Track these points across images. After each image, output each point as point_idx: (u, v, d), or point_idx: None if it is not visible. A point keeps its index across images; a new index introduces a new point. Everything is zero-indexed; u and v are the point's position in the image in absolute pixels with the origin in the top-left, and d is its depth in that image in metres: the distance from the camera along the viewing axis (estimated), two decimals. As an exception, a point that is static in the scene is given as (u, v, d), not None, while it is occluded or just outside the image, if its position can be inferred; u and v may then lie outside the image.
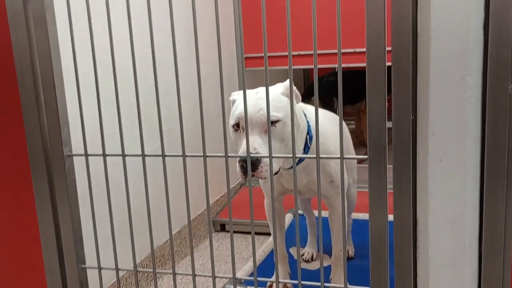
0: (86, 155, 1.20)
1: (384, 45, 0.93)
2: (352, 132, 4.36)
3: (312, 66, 1.05)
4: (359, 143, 4.43)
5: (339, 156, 1.04)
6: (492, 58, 0.89)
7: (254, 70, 3.46)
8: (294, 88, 1.50)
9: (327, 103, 4.25)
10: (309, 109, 1.70)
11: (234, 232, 2.95)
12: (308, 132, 1.62)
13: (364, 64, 0.95)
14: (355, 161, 2.12)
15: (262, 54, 1.03)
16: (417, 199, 1.00)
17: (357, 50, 3.10)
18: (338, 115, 1.06)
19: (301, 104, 1.68)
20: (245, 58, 3.43)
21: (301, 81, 5.08)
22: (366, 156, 0.99)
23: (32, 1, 1.15)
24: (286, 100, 1.51)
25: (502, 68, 0.89)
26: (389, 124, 0.95)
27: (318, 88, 1.05)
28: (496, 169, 0.92)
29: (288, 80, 1.52)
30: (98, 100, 1.16)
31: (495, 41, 0.89)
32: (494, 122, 0.90)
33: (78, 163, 1.25)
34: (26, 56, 1.19)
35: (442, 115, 0.92)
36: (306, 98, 4.17)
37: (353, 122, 4.64)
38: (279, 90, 1.53)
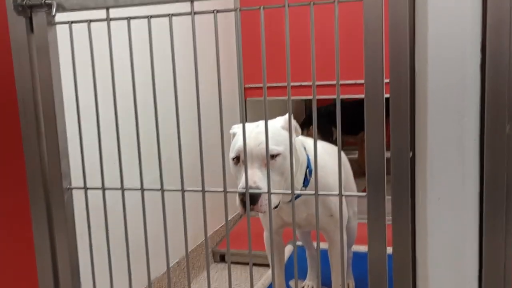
0: (85, 188, 1.20)
1: (382, 78, 0.95)
2: (354, 161, 4.36)
3: (311, 97, 1.06)
4: (361, 173, 4.42)
5: (337, 192, 1.04)
6: (489, 98, 0.90)
7: (255, 101, 3.48)
8: (294, 121, 1.51)
9: (326, 132, 4.27)
10: (309, 142, 1.71)
11: (235, 263, 2.92)
12: (308, 165, 1.63)
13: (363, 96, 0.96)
14: (354, 188, 2.12)
15: (262, 85, 1.05)
16: (416, 235, 1.00)
17: (358, 81, 3.13)
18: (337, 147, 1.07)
19: (301, 138, 1.69)
20: (246, 88, 3.46)
21: (302, 110, 5.11)
22: (364, 194, 0.99)
23: (35, 33, 1.17)
24: (286, 134, 1.52)
25: (500, 108, 0.89)
26: (388, 154, 0.95)
27: (318, 117, 1.06)
28: (495, 208, 0.92)
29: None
30: (98, 134, 1.17)
31: (492, 81, 0.90)
32: (493, 161, 0.90)
33: (77, 193, 1.24)
34: (28, 87, 1.20)
35: (441, 154, 0.92)
36: (306, 126, 4.19)
37: (354, 151, 4.64)
38: (279, 123, 1.54)
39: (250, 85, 3.47)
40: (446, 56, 0.91)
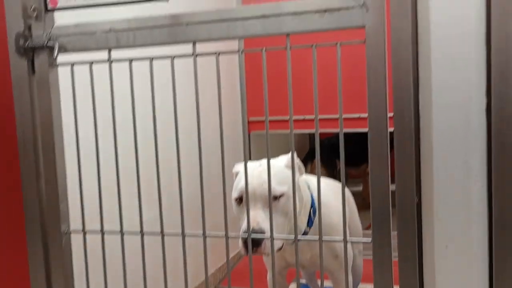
0: (84, 232, 1.17)
1: (386, 111, 0.93)
2: (359, 194, 4.31)
3: (314, 131, 1.04)
4: (366, 206, 4.38)
5: (342, 234, 1.02)
6: (496, 141, 0.88)
7: (259, 134, 3.48)
8: (297, 160, 1.49)
9: (330, 164, 4.24)
10: (313, 180, 1.68)
11: (237, 300, 2.86)
12: (312, 205, 1.60)
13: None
14: (360, 231, 2.08)
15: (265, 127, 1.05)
16: (424, 281, 0.97)
17: (362, 115, 3.12)
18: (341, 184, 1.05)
19: (305, 176, 1.66)
20: (250, 121, 3.45)
21: (305, 143, 5.10)
22: (369, 240, 0.96)
23: (37, 74, 1.16)
24: (290, 173, 1.49)
25: (507, 151, 0.87)
26: (393, 187, 0.93)
27: (320, 149, 1.05)
28: (504, 253, 0.89)
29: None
30: (98, 175, 1.15)
31: (498, 125, 0.88)
32: (501, 206, 0.88)
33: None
34: (28, 128, 1.18)
35: (447, 200, 0.90)
36: (310, 159, 4.17)
37: (358, 184, 4.60)
38: (283, 162, 1.52)
39: (254, 118, 3.47)
40: (450, 99, 0.90)
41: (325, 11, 0.96)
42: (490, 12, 0.89)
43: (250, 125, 3.49)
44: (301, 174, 1.59)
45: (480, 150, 0.89)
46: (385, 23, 0.93)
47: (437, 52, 0.91)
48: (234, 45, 3.44)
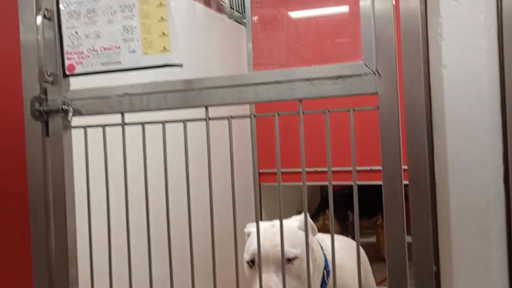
0: (93, 297, 1.15)
1: (400, 164, 0.92)
2: (372, 246, 4.23)
3: (327, 183, 1.04)
4: (379, 257, 4.28)
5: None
6: (515, 210, 0.86)
7: (270, 186, 3.45)
8: (310, 221, 1.46)
9: (342, 216, 4.17)
10: (326, 241, 1.65)
11: None
12: (326, 266, 1.56)
13: (381, 182, 0.93)
14: (374, 286, 2.02)
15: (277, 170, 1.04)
16: None
17: (373, 168, 3.10)
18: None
19: (318, 236, 1.63)
20: (261, 173, 3.44)
21: (317, 193, 5.05)
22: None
23: (51, 137, 1.17)
24: (303, 234, 1.46)
25: (527, 221, 0.85)
26: (408, 239, 0.90)
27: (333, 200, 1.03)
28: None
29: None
30: (109, 238, 1.14)
31: (517, 193, 0.86)
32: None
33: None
34: (40, 191, 1.18)
35: (466, 271, 0.87)
36: (322, 210, 4.11)
37: (369, 235, 4.52)
38: (296, 223, 1.50)
39: (265, 170, 3.46)
40: (467, 172, 0.88)
41: (337, 77, 0.96)
42: (504, 73, 0.89)
43: (261, 176, 3.47)
44: (314, 235, 1.56)
45: (500, 219, 0.87)
46: (397, 89, 0.93)
47: (451, 119, 0.91)
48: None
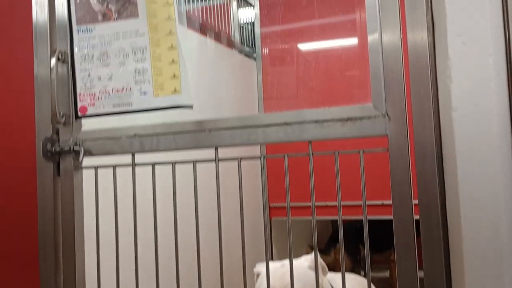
0: None
1: (411, 202, 0.91)
2: (385, 281, 4.14)
3: (337, 217, 1.03)
4: (392, 293, 4.20)
5: None
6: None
7: (280, 220, 3.43)
8: (321, 260, 1.45)
9: (353, 251, 4.11)
10: (336, 280, 1.62)
11: None
12: (337, 306, 1.54)
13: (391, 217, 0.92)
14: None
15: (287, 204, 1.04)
16: None
17: (385, 202, 3.07)
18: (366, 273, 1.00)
19: (328, 276, 1.61)
20: (271, 207, 3.42)
21: (327, 226, 5.00)
22: None
23: (62, 177, 1.18)
24: (313, 274, 1.44)
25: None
26: (420, 274, 0.89)
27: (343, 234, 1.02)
28: None
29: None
30: (117, 283, 1.13)
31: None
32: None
33: None
34: (50, 230, 1.19)
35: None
36: (332, 244, 4.06)
37: (382, 269, 4.44)
38: (305, 263, 1.48)
39: (275, 204, 3.44)
40: (479, 212, 0.87)
41: (347, 120, 0.97)
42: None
43: (271, 211, 3.46)
44: (325, 275, 1.54)
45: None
46: (407, 130, 0.93)
47: (462, 160, 0.90)
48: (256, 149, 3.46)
